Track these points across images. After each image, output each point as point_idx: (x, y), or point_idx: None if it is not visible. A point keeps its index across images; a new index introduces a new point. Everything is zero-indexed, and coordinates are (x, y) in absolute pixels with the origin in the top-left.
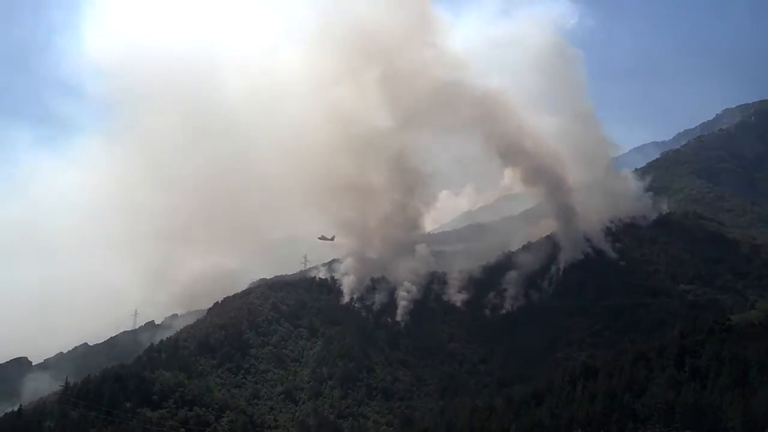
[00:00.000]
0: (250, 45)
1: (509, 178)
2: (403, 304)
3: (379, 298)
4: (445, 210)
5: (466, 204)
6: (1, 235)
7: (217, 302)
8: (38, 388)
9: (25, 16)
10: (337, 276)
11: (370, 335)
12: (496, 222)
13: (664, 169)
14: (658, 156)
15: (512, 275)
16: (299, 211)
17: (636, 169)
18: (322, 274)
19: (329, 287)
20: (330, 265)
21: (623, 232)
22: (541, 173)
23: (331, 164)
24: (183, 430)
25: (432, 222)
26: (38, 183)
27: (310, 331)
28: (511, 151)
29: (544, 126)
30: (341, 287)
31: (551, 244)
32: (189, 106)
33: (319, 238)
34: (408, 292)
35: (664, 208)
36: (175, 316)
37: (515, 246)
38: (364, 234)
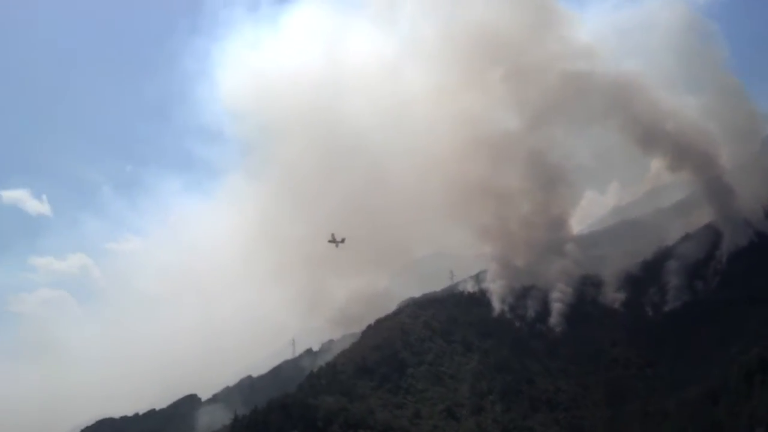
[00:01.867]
0: (372, 64)
1: (656, 168)
2: (557, 307)
3: (531, 306)
4: (591, 210)
5: (613, 201)
6: (162, 281)
7: (370, 324)
8: (210, 422)
9: (162, 68)
10: (485, 288)
11: (526, 345)
12: (648, 216)
13: None
14: None
15: (673, 270)
16: (440, 226)
17: None
18: (470, 287)
19: (479, 300)
20: (477, 277)
21: None
22: (687, 156)
23: (464, 171)
24: None
25: (578, 223)
26: (190, 226)
27: (464, 345)
28: (650, 136)
29: (686, 107)
30: (491, 299)
31: (711, 233)
32: (320, 133)
33: (329, 241)
34: (562, 294)
35: None
36: (331, 341)
37: (672, 239)
38: (507, 240)
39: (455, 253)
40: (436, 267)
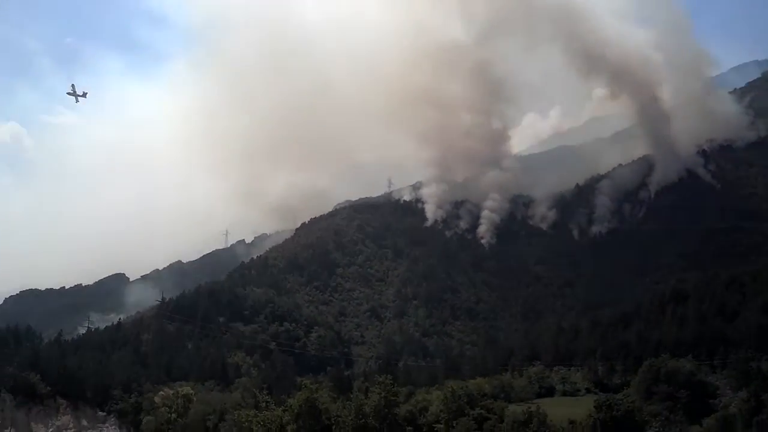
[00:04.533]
0: None
1: (598, 97)
2: (487, 223)
3: (463, 219)
4: (531, 132)
5: (553, 126)
6: (96, 157)
7: (304, 223)
8: (137, 301)
9: None
10: (420, 197)
11: (453, 256)
12: (586, 144)
13: (765, 89)
14: (759, 75)
15: (602, 197)
16: (383, 133)
17: (735, 89)
18: (406, 195)
19: (413, 209)
20: (414, 187)
21: (718, 153)
22: (627, 84)
23: (409, 79)
24: (274, 343)
25: (518, 144)
26: (129, 107)
27: (394, 252)
28: (592, 61)
29: (632, 37)
30: (425, 209)
31: (644, 165)
32: (269, 30)
33: (68, 93)
34: (494, 208)
35: (763, 129)
36: (264, 235)
37: (606, 168)
38: (446, 150)
39: (396, 162)
40: (376, 174)
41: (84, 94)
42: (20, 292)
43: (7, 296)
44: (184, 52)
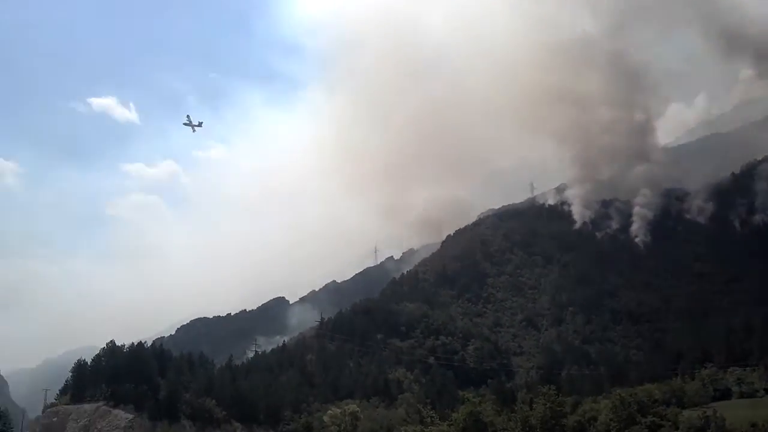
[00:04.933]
0: None
1: (745, 78)
2: (640, 221)
3: (613, 218)
4: (678, 123)
5: (700, 115)
6: (248, 189)
7: (450, 235)
8: (298, 323)
9: None
10: (566, 200)
11: (607, 258)
12: (738, 130)
13: None
14: None
15: (763, 184)
16: (520, 136)
17: None
18: (550, 199)
19: (559, 212)
20: (558, 189)
21: None
22: None
23: (542, 79)
24: (432, 358)
25: (665, 136)
26: (272, 137)
27: (544, 258)
28: (735, 41)
29: None
30: (572, 211)
31: None
32: (399, 43)
33: (184, 123)
34: (646, 205)
35: None
36: (411, 250)
37: (762, 153)
38: (588, 149)
39: (536, 164)
40: (516, 178)
41: (200, 124)
42: (190, 321)
43: (179, 326)
44: (320, 77)
